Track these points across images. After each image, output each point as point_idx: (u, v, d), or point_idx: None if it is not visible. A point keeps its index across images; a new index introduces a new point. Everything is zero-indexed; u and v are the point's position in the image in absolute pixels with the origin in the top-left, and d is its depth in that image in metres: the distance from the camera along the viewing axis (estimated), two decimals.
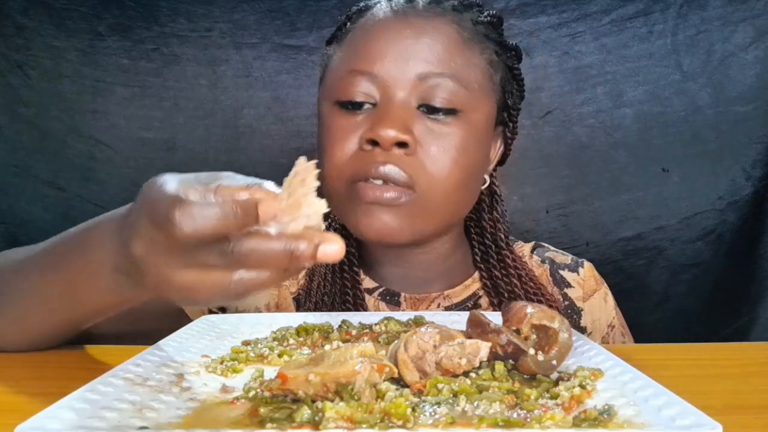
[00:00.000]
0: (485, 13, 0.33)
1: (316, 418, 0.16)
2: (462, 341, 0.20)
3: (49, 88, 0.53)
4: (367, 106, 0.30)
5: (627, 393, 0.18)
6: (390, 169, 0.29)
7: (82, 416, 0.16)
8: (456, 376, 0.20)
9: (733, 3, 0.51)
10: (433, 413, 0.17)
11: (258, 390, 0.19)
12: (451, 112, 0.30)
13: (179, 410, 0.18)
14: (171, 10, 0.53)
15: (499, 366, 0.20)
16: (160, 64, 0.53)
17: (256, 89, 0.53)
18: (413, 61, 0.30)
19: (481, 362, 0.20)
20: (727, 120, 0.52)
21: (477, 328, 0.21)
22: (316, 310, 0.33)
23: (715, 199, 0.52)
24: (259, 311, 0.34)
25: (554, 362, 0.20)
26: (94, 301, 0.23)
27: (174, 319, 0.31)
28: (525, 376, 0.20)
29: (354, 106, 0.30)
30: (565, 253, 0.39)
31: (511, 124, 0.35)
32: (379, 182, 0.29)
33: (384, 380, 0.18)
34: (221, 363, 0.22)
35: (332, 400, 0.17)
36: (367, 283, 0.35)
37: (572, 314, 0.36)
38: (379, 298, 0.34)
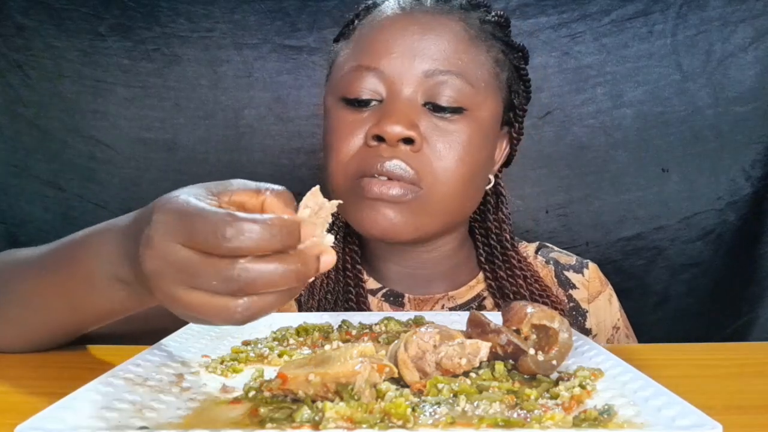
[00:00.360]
0: (493, 13, 0.34)
1: (316, 418, 0.16)
2: (462, 341, 0.20)
3: (49, 88, 0.53)
4: (373, 102, 0.30)
5: (627, 393, 0.18)
6: (396, 165, 0.29)
7: (82, 416, 0.16)
8: (456, 376, 0.20)
9: (733, 3, 0.51)
10: (433, 413, 0.17)
11: (258, 390, 0.19)
12: (457, 109, 0.30)
13: (179, 410, 0.18)
14: (172, 10, 0.53)
15: (499, 366, 0.20)
16: (161, 65, 0.53)
17: (257, 90, 0.53)
18: (420, 58, 0.30)
19: (481, 362, 0.20)
20: (726, 120, 0.52)
21: (477, 328, 0.21)
22: (319, 310, 0.33)
23: (714, 199, 0.52)
24: None
25: (554, 362, 0.20)
26: (91, 310, 0.23)
27: (174, 319, 0.31)
28: (525, 376, 0.20)
29: (360, 103, 0.30)
30: (569, 253, 0.39)
31: (516, 125, 0.35)
32: (384, 178, 0.29)
33: (384, 380, 0.18)
34: (221, 363, 0.22)
35: (332, 400, 0.17)
36: (371, 284, 0.35)
37: (577, 316, 0.36)
38: (383, 299, 0.34)
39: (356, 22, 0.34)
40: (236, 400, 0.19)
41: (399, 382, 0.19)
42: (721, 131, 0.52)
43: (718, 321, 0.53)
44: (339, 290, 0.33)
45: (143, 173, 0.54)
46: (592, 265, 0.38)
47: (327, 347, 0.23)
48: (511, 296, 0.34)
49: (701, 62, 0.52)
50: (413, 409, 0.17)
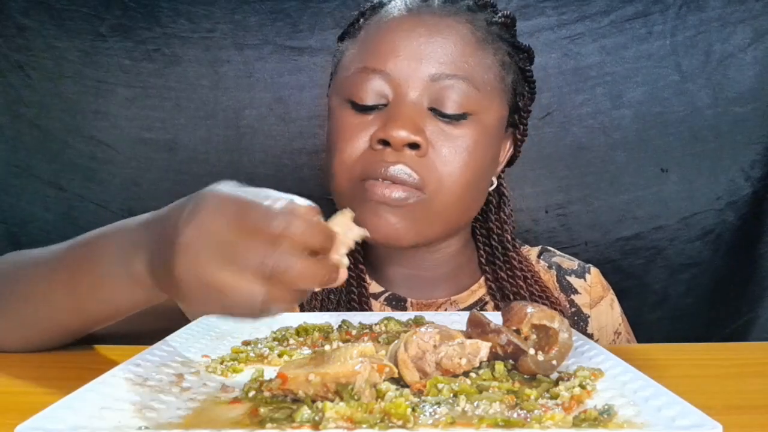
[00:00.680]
0: (499, 14, 0.33)
1: (316, 418, 0.16)
2: (462, 341, 0.20)
3: (50, 89, 0.53)
4: (379, 105, 0.30)
5: (627, 393, 0.18)
6: (400, 170, 0.29)
7: (82, 416, 0.16)
8: (456, 376, 0.20)
9: (732, 4, 0.51)
10: (433, 413, 0.17)
11: (258, 390, 0.19)
12: (463, 114, 0.30)
13: (179, 410, 0.18)
14: (172, 11, 0.53)
15: (499, 366, 0.20)
16: (162, 65, 0.53)
17: (258, 90, 0.53)
18: (426, 61, 0.30)
19: (481, 362, 0.20)
20: (726, 120, 0.52)
21: (477, 328, 0.21)
22: (321, 311, 0.33)
23: (714, 199, 0.52)
24: None
25: (554, 362, 0.20)
26: (96, 308, 0.23)
27: (175, 321, 0.31)
28: (525, 376, 0.20)
29: (366, 105, 0.30)
30: (572, 258, 0.39)
31: (521, 126, 0.35)
32: (388, 182, 0.29)
33: (384, 380, 0.18)
34: (221, 363, 0.22)
35: (332, 400, 0.17)
36: (374, 287, 0.35)
37: (579, 321, 0.36)
38: (385, 303, 0.34)
39: (362, 21, 0.33)
40: (236, 400, 0.19)
41: (399, 382, 0.19)
42: (720, 131, 0.52)
43: (718, 321, 0.52)
44: (342, 291, 0.34)
45: (144, 173, 0.54)
46: (594, 270, 0.38)
47: (327, 347, 0.23)
48: (512, 297, 0.34)
49: (700, 63, 0.52)
50: (413, 409, 0.17)
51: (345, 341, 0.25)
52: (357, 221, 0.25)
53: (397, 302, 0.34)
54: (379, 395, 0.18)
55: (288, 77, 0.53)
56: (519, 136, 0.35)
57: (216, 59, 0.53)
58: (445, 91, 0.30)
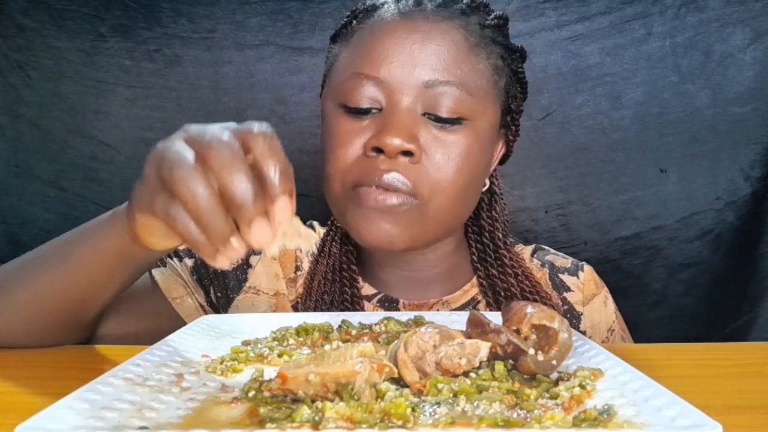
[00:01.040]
0: (492, 15, 0.33)
1: (316, 418, 0.16)
2: (462, 341, 0.20)
3: (50, 89, 0.53)
4: (372, 110, 0.30)
5: (627, 393, 0.18)
6: (394, 177, 0.29)
7: (82, 416, 0.16)
8: (456, 376, 0.20)
9: (731, 4, 0.51)
10: (433, 413, 0.17)
11: (258, 390, 0.19)
12: (456, 120, 0.30)
13: (179, 410, 0.18)
14: (173, 11, 0.53)
15: (499, 366, 0.20)
16: (162, 65, 0.53)
17: (259, 90, 0.53)
18: (419, 68, 0.30)
19: (481, 362, 0.20)
20: (725, 121, 0.52)
21: (477, 328, 0.21)
22: (315, 311, 0.34)
23: (713, 199, 0.52)
24: None
25: (554, 362, 0.20)
26: (87, 259, 0.24)
27: (174, 322, 0.31)
28: (525, 376, 0.20)
29: (360, 111, 0.30)
30: (565, 256, 0.39)
31: (513, 127, 0.35)
32: (382, 189, 0.29)
33: (384, 380, 0.18)
34: (221, 363, 0.22)
35: (332, 400, 0.17)
36: (367, 289, 0.35)
37: (571, 319, 0.36)
38: (378, 304, 0.34)
39: (354, 24, 0.33)
40: (236, 400, 0.19)
41: (399, 382, 0.19)
42: (719, 132, 0.52)
43: (718, 321, 0.52)
44: (335, 290, 0.34)
45: None
46: (587, 268, 0.38)
47: (327, 347, 0.23)
48: (503, 293, 0.33)
49: (700, 63, 0.52)
50: (413, 409, 0.17)
51: (345, 341, 0.25)
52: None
53: (390, 303, 0.34)
54: (379, 395, 0.18)
55: (289, 77, 0.53)
56: (511, 137, 0.35)
57: (217, 59, 0.53)
58: (438, 97, 0.29)
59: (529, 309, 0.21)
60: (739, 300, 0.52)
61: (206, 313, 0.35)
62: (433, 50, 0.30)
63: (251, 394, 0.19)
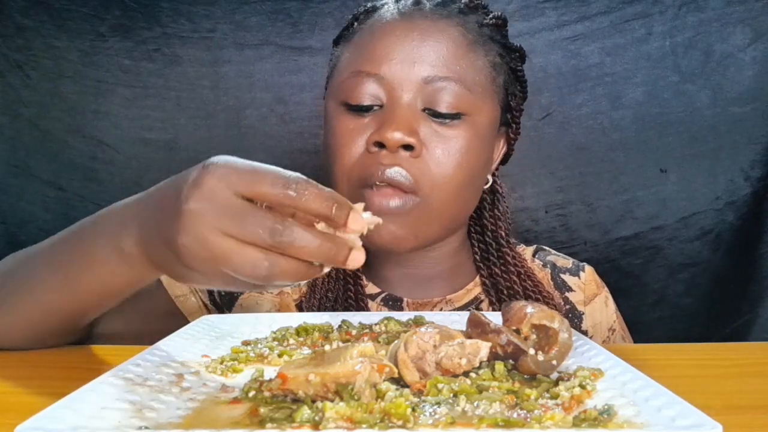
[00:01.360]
0: (491, 15, 0.34)
1: (316, 418, 0.16)
2: (462, 341, 0.20)
3: (50, 89, 0.53)
4: (374, 107, 0.31)
5: (627, 393, 0.18)
6: (396, 172, 0.30)
7: (82, 416, 0.16)
8: (456, 376, 0.20)
9: (731, 4, 0.51)
10: (433, 413, 0.17)
11: (258, 390, 0.19)
12: (455, 115, 0.30)
13: (179, 410, 0.18)
14: (173, 10, 0.52)
15: (499, 366, 0.20)
16: (162, 65, 0.53)
17: (258, 90, 0.53)
18: (419, 64, 0.30)
19: (481, 362, 0.20)
20: (725, 121, 0.52)
21: (477, 328, 0.21)
22: (320, 308, 0.33)
23: (713, 199, 0.52)
24: None
25: (554, 362, 0.20)
26: (88, 288, 0.23)
27: (175, 322, 0.31)
28: (525, 376, 0.20)
29: (361, 109, 0.31)
30: (566, 256, 0.39)
31: (514, 125, 0.35)
32: (384, 185, 0.30)
33: (384, 380, 0.18)
34: (221, 363, 0.22)
35: (332, 400, 0.17)
36: (370, 288, 0.35)
37: (573, 318, 0.36)
38: (382, 303, 0.34)
39: (356, 25, 0.34)
40: (236, 400, 0.19)
41: (399, 382, 0.19)
42: (719, 132, 0.52)
43: (718, 321, 0.52)
44: (339, 288, 0.34)
45: (144, 173, 0.54)
46: (588, 268, 0.38)
47: (327, 347, 0.23)
48: (505, 292, 0.34)
49: (700, 63, 0.52)
50: (413, 409, 0.17)
51: (345, 341, 0.25)
52: None
53: (394, 302, 0.34)
54: (379, 395, 0.18)
55: (288, 77, 0.53)
56: (512, 135, 0.36)
57: (216, 59, 0.53)
58: (437, 92, 0.30)
59: (529, 309, 0.21)
60: (739, 300, 0.52)
61: (209, 311, 0.35)
62: (432, 47, 0.30)
63: (251, 394, 0.19)
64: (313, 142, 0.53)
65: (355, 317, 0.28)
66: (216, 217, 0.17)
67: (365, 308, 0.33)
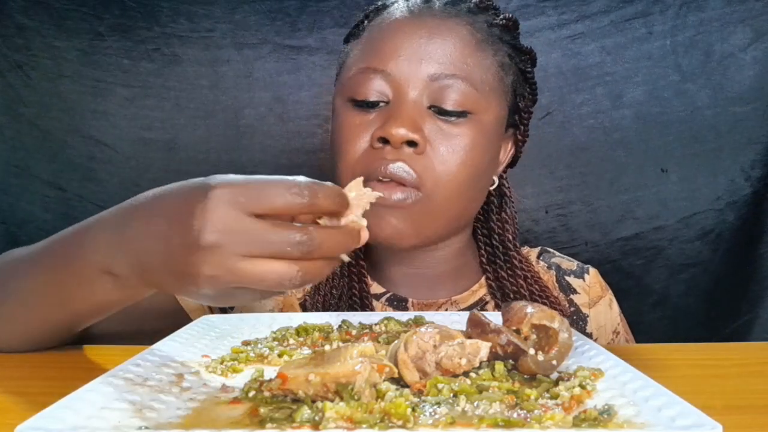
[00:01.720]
0: (501, 16, 0.34)
1: (316, 418, 0.16)
2: (462, 341, 0.20)
3: (49, 89, 0.53)
4: (380, 104, 0.31)
5: (627, 393, 0.18)
6: (399, 167, 0.30)
7: (82, 416, 0.16)
8: (456, 376, 0.20)
9: (732, 4, 0.51)
10: (433, 413, 0.17)
11: (258, 390, 0.19)
12: (461, 113, 0.30)
13: (179, 410, 0.18)
14: (172, 10, 0.52)
15: (499, 366, 0.20)
16: (161, 65, 0.53)
17: (257, 90, 0.53)
18: (426, 62, 0.30)
19: (481, 362, 0.20)
20: (726, 120, 0.52)
21: (477, 328, 0.21)
22: (324, 305, 0.33)
23: (713, 199, 0.52)
24: None
25: (554, 362, 0.20)
26: (81, 304, 0.23)
27: (174, 319, 0.31)
28: (525, 376, 0.20)
29: (367, 104, 0.31)
30: (570, 258, 0.39)
31: (522, 127, 0.35)
32: (387, 180, 0.30)
33: (384, 380, 0.18)
34: (221, 363, 0.22)
35: (332, 400, 0.17)
36: (375, 288, 0.35)
37: (578, 320, 0.36)
38: (387, 303, 0.34)
39: (366, 23, 0.34)
40: (236, 400, 0.19)
41: (399, 382, 0.19)
42: (720, 131, 0.52)
43: (718, 321, 0.53)
44: (344, 285, 0.34)
45: (143, 173, 0.54)
46: (592, 270, 0.38)
47: (327, 347, 0.23)
48: (512, 296, 0.34)
49: (700, 63, 0.52)
50: (413, 409, 0.17)
51: (345, 341, 0.25)
52: None
53: (399, 302, 0.34)
54: (379, 395, 0.18)
55: (287, 76, 0.53)
56: (520, 137, 0.36)
57: (215, 59, 0.53)
58: (444, 90, 0.30)
59: (529, 309, 0.21)
60: (740, 300, 0.52)
61: (211, 308, 0.35)
62: (440, 45, 0.30)
63: (251, 394, 0.19)
64: (311, 141, 0.53)
65: (355, 317, 0.28)
66: (238, 244, 0.17)
67: (370, 307, 0.33)
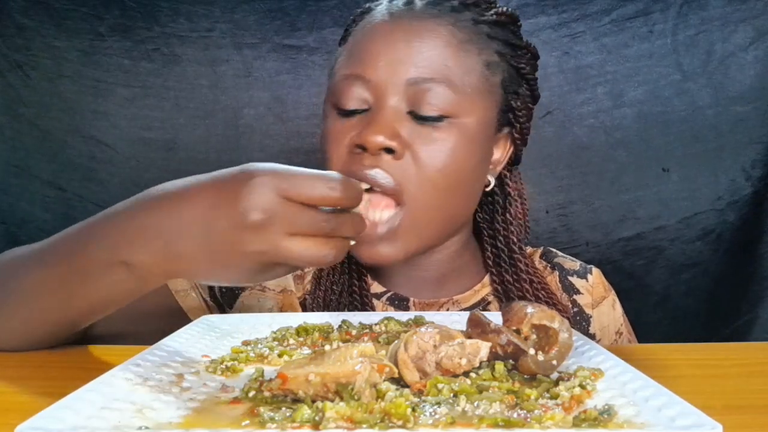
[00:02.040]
0: (492, 11, 0.32)
1: (316, 418, 0.16)
2: (462, 341, 0.20)
3: (49, 89, 0.53)
4: (362, 109, 0.31)
5: (627, 393, 0.18)
6: (376, 174, 0.29)
7: (82, 416, 0.16)
8: (456, 376, 0.20)
9: (733, 3, 0.51)
10: (433, 413, 0.17)
11: (258, 390, 0.19)
12: (440, 117, 0.30)
13: (179, 410, 0.18)
14: (171, 10, 0.53)
15: (499, 366, 0.20)
16: (161, 65, 0.53)
17: (257, 89, 0.53)
18: (404, 66, 0.29)
19: (481, 362, 0.20)
20: (727, 120, 0.52)
21: (477, 328, 0.21)
22: (325, 300, 0.33)
23: (714, 199, 0.52)
24: None
25: (554, 362, 0.20)
26: (87, 299, 0.23)
27: (174, 319, 0.31)
28: (525, 376, 0.20)
29: (349, 111, 0.31)
30: (573, 258, 0.38)
31: (518, 125, 0.34)
32: (368, 187, 0.29)
33: (384, 380, 0.18)
34: (221, 363, 0.22)
35: (332, 400, 0.17)
36: (375, 287, 0.35)
37: (581, 321, 0.35)
38: (388, 302, 0.34)
39: (352, 27, 0.34)
40: (236, 400, 0.19)
41: (399, 382, 0.19)
42: (721, 131, 0.52)
43: (718, 321, 0.53)
44: (344, 282, 0.34)
45: (143, 173, 0.54)
46: (595, 271, 0.37)
47: (327, 347, 0.23)
48: (516, 300, 0.34)
49: (701, 62, 0.52)
50: (413, 409, 0.17)
51: (345, 341, 0.25)
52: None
53: (400, 302, 0.34)
54: (379, 395, 0.18)
55: (286, 76, 0.53)
56: (517, 135, 0.34)
57: (215, 58, 0.53)
58: (422, 94, 0.29)
59: (530, 309, 0.21)
60: (740, 300, 0.52)
61: (209, 307, 0.35)
62: (417, 48, 0.30)
63: (251, 394, 0.19)
64: (311, 141, 0.53)
65: (355, 317, 0.28)
66: (282, 223, 0.20)
67: (370, 306, 0.33)
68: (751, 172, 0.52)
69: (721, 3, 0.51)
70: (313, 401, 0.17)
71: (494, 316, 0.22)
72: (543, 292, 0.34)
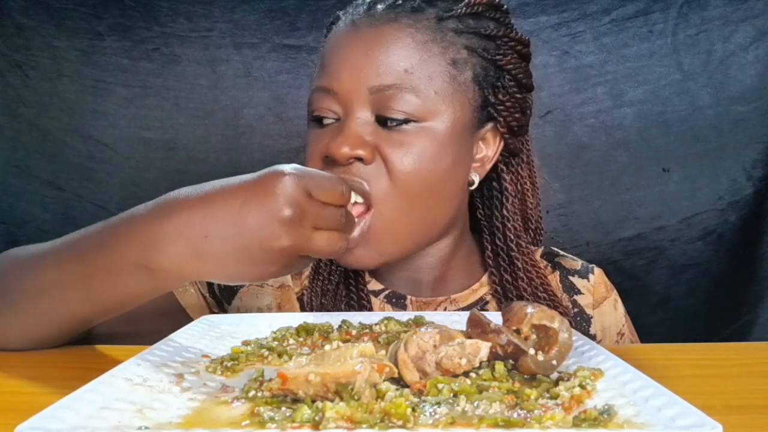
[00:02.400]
0: (462, 4, 0.31)
1: (316, 418, 0.16)
2: (462, 341, 0.20)
3: (49, 88, 0.53)
4: (333, 121, 0.31)
5: (627, 393, 0.18)
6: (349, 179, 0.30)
7: (82, 416, 0.16)
8: (456, 376, 0.20)
9: (734, 3, 0.51)
10: (433, 413, 0.17)
11: (258, 390, 0.19)
12: (407, 121, 0.30)
13: (179, 410, 0.18)
14: (171, 10, 0.53)
15: (499, 366, 0.20)
16: (160, 65, 0.53)
17: (256, 89, 0.54)
18: (365, 75, 0.29)
19: (481, 362, 0.20)
20: (727, 120, 0.52)
21: (477, 328, 0.21)
22: (323, 293, 0.33)
23: (715, 199, 0.53)
24: (261, 312, 0.34)
25: (554, 362, 0.20)
26: (108, 298, 0.24)
27: (174, 319, 0.31)
28: (525, 376, 0.20)
29: (322, 122, 0.31)
30: (574, 258, 0.38)
31: (501, 119, 0.32)
32: None
33: (384, 380, 0.18)
34: (221, 363, 0.22)
35: (332, 400, 0.17)
36: (373, 285, 0.34)
37: (582, 321, 0.35)
38: (385, 300, 0.34)
39: (324, 37, 0.34)
40: (236, 400, 0.19)
41: (399, 382, 0.19)
42: (721, 131, 0.52)
43: (718, 321, 0.53)
44: (341, 291, 0.34)
45: (143, 173, 0.54)
46: (597, 270, 0.36)
47: (327, 347, 0.23)
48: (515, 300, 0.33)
49: (702, 62, 0.52)
50: (413, 409, 0.17)
51: (345, 341, 0.25)
52: None
53: (397, 300, 0.34)
54: (379, 395, 0.18)
55: (286, 76, 0.53)
56: (502, 129, 0.32)
57: (214, 58, 0.53)
58: (386, 101, 0.30)
59: (530, 309, 0.21)
60: (740, 300, 0.52)
61: (207, 303, 0.34)
62: (376, 56, 0.30)
63: (251, 394, 0.19)
64: None
65: (355, 317, 0.28)
66: (310, 218, 0.22)
67: (368, 303, 0.33)
68: (751, 172, 0.53)
69: (722, 3, 0.52)
70: (313, 401, 0.17)
71: (494, 316, 0.22)
72: (543, 293, 0.33)
